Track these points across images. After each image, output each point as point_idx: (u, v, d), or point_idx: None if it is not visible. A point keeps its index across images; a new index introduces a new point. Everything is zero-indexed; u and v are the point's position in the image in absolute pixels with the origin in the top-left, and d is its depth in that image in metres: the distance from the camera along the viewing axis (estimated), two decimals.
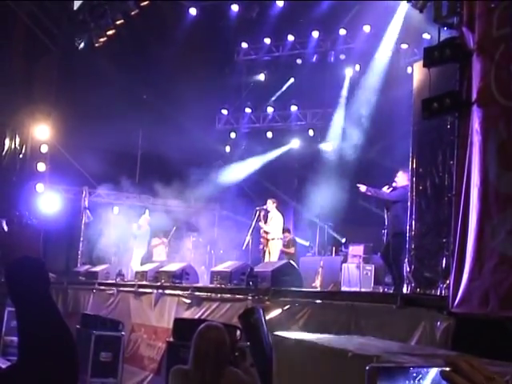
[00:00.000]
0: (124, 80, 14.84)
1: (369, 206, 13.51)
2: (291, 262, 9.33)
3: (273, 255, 11.69)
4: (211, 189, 16.14)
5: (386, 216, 8.99)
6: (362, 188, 9.11)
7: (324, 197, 13.74)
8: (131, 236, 14.45)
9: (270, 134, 17.74)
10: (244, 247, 11.44)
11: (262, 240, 12.05)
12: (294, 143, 17.43)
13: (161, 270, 10.39)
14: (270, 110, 17.71)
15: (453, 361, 1.28)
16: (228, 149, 18.50)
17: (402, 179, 8.50)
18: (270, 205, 11.90)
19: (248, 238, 11.34)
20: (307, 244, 13.75)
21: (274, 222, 11.86)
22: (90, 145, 15.02)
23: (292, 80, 17.06)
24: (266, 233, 11.82)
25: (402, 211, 7.89)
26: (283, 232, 12.98)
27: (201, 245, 15.20)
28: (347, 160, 15.33)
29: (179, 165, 15.23)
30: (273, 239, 11.78)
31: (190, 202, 16.89)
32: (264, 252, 11.94)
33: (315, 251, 13.24)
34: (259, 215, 11.64)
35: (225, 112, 18.23)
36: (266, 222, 11.88)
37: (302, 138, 17.30)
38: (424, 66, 6.04)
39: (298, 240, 13.93)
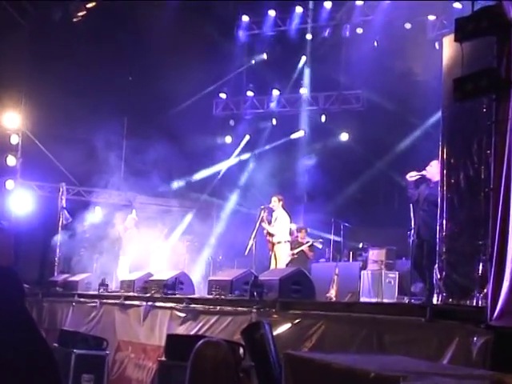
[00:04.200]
0: (107, 60, 14.97)
1: (391, 202, 13.57)
2: (302, 268, 9.30)
3: (280, 261, 11.68)
4: (208, 185, 16.20)
5: (412, 214, 8.98)
6: (412, 176, 8.90)
7: (339, 193, 13.76)
8: (116, 240, 14.43)
9: (275, 121, 17.77)
10: (247, 252, 11.40)
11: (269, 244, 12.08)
12: (304, 131, 17.39)
13: (150, 279, 10.38)
14: (275, 93, 17.79)
15: (500, 379, 1.24)
16: (228, 139, 18.53)
17: (435, 170, 8.36)
18: (275, 203, 11.90)
19: (251, 241, 11.32)
20: (320, 247, 13.75)
21: (280, 223, 11.84)
22: (68, 135, 15.20)
23: (303, 59, 17.06)
24: (271, 235, 11.82)
25: None
26: (299, 231, 13.26)
27: (196, 249, 15.24)
28: (366, 150, 15.44)
29: (171, 157, 15.29)
30: (279, 243, 11.76)
31: (183, 201, 16.99)
32: (270, 259, 11.90)
33: (329, 256, 13.32)
34: (263, 215, 11.67)
35: (223, 96, 18.38)
36: (270, 223, 11.87)
37: (313, 125, 17.26)
38: (455, 40, 5.95)
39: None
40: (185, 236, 15.59)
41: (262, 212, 11.72)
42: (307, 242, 13.22)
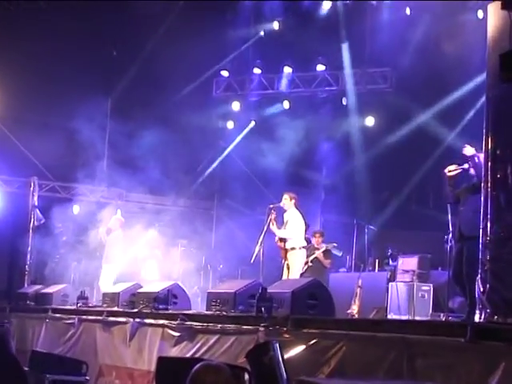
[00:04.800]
0: (85, 32, 14.99)
1: (425, 201, 13.54)
2: (319, 279, 9.30)
3: (293, 271, 11.56)
4: (207, 180, 16.34)
5: (450, 216, 8.98)
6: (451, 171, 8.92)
7: (363, 189, 13.72)
8: (98, 245, 14.35)
9: (287, 104, 17.77)
10: (253, 260, 11.37)
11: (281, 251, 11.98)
12: (321, 115, 17.22)
13: (139, 291, 10.36)
14: (287, 70, 17.74)
15: None
16: (230, 124, 18.47)
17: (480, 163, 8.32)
18: (287, 201, 11.80)
19: (258, 247, 11.27)
20: (340, 254, 13.73)
21: (292, 226, 11.74)
22: (41, 121, 15.37)
23: (321, 29, 16.65)
24: (282, 241, 11.71)
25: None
26: (314, 235, 13.20)
27: (193, 256, 15.27)
28: (394, 138, 15.42)
29: (162, 147, 15.31)
30: (292, 249, 11.63)
31: (177, 198, 17.02)
32: (283, 268, 11.78)
33: (351, 265, 13.37)
34: (272, 216, 11.55)
35: (225, 74, 18.32)
36: (283, 225, 11.81)
37: (332, 108, 17.21)
38: (502, 7, 5.98)
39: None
40: (179, 240, 15.58)
41: (271, 212, 11.58)
42: (323, 248, 13.06)
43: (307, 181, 16.76)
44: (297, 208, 11.92)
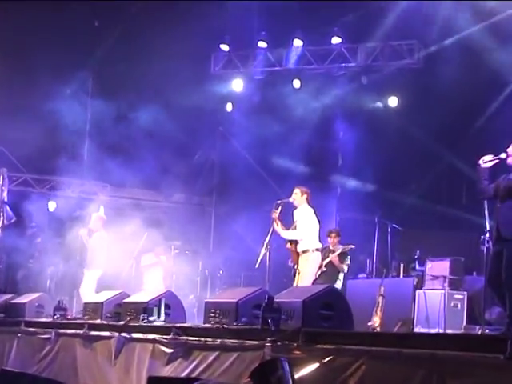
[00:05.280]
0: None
1: (458, 197, 13.48)
2: (334, 286, 9.31)
3: (305, 277, 11.55)
4: (205, 171, 16.42)
5: (486, 213, 8.96)
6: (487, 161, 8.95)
7: (385, 182, 13.63)
8: (78, 247, 14.29)
9: (297, 83, 17.76)
10: (258, 265, 11.45)
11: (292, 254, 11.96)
12: (337, 96, 17.19)
13: (125, 301, 10.31)
14: (297, 43, 17.75)
15: None
16: (229, 106, 18.45)
17: None
18: (298, 196, 11.80)
19: (264, 249, 11.34)
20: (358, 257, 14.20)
21: (303, 225, 11.71)
22: (9, 105, 15.16)
23: None
24: (293, 243, 11.71)
25: None
26: (329, 235, 13.21)
27: (188, 260, 15.29)
28: (422, 122, 15.21)
29: (153, 133, 15.39)
30: (305, 252, 11.62)
31: (170, 193, 17.04)
32: (294, 274, 11.79)
33: (372, 270, 13.59)
34: (276, 215, 11.55)
35: (225, 48, 18.47)
36: (290, 226, 11.74)
37: (350, 87, 17.16)
38: None
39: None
40: (172, 242, 15.64)
41: (275, 210, 11.61)
42: (339, 250, 13.04)
43: (321, 172, 16.69)
44: (310, 204, 11.92)
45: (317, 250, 11.77)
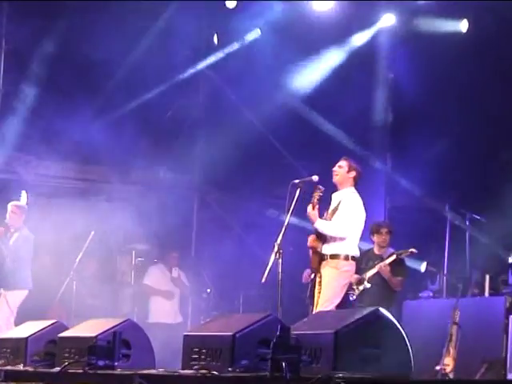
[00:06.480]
0: None
1: None
2: (382, 310, 9.53)
3: (327, 293, 11.72)
4: (184, 137, 16.83)
5: None
6: None
7: (460, 150, 13.62)
8: None
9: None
10: (264, 279, 11.54)
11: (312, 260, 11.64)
12: (385, 20, 17.68)
13: (61, 335, 10.24)
14: None
15: None
16: (215, 39, 18.56)
17: None
18: (343, 172, 11.96)
19: (273, 256, 11.39)
20: (422, 268, 13.85)
21: (348, 215, 11.62)
22: None
23: None
24: (320, 240, 11.66)
25: None
26: (376, 231, 13.01)
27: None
28: (505, 55, 14.74)
29: (100, 69, 15.65)
30: (333, 257, 11.68)
31: (129, 170, 17.19)
32: (313, 288, 11.88)
33: (441, 284, 13.67)
34: (316, 196, 11.55)
35: None
36: (322, 215, 11.45)
37: (399, 9, 17.53)
38: None
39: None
40: (133, 245, 16.13)
41: (299, 192, 11.62)
42: (391, 256, 13.09)
43: (363, 141, 16.41)
44: (357, 189, 11.95)
45: (352, 258, 11.83)
